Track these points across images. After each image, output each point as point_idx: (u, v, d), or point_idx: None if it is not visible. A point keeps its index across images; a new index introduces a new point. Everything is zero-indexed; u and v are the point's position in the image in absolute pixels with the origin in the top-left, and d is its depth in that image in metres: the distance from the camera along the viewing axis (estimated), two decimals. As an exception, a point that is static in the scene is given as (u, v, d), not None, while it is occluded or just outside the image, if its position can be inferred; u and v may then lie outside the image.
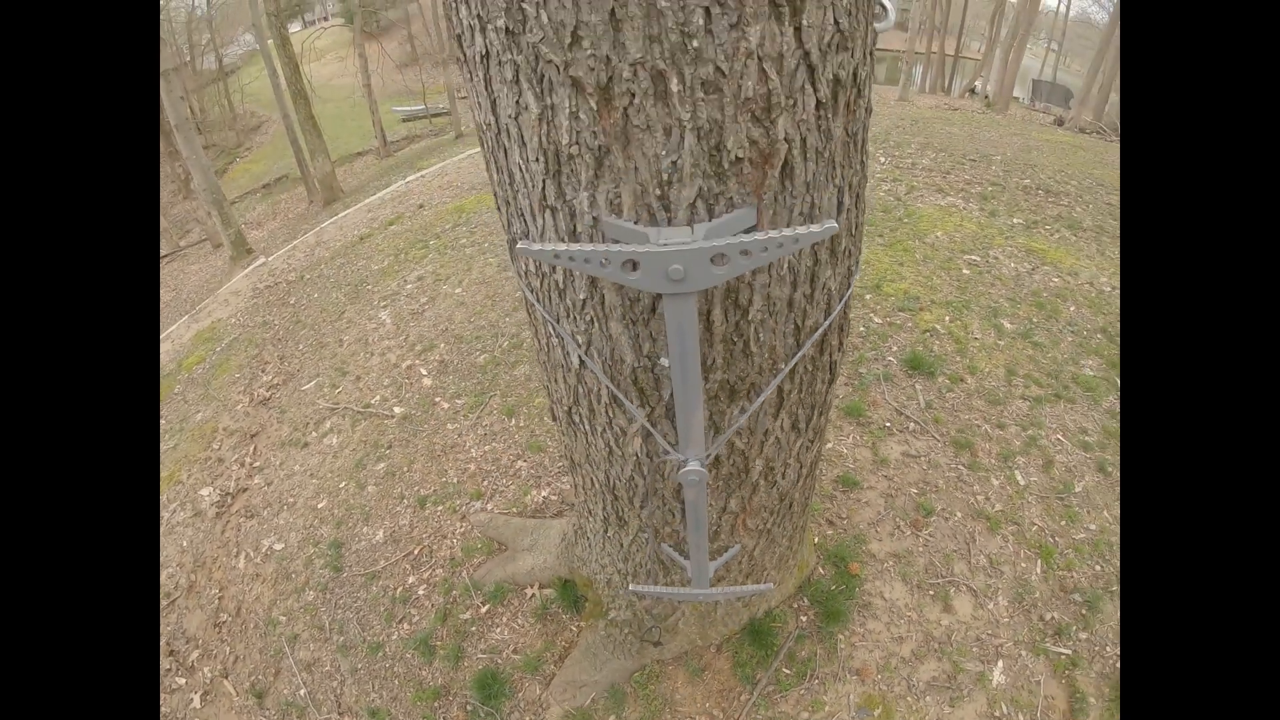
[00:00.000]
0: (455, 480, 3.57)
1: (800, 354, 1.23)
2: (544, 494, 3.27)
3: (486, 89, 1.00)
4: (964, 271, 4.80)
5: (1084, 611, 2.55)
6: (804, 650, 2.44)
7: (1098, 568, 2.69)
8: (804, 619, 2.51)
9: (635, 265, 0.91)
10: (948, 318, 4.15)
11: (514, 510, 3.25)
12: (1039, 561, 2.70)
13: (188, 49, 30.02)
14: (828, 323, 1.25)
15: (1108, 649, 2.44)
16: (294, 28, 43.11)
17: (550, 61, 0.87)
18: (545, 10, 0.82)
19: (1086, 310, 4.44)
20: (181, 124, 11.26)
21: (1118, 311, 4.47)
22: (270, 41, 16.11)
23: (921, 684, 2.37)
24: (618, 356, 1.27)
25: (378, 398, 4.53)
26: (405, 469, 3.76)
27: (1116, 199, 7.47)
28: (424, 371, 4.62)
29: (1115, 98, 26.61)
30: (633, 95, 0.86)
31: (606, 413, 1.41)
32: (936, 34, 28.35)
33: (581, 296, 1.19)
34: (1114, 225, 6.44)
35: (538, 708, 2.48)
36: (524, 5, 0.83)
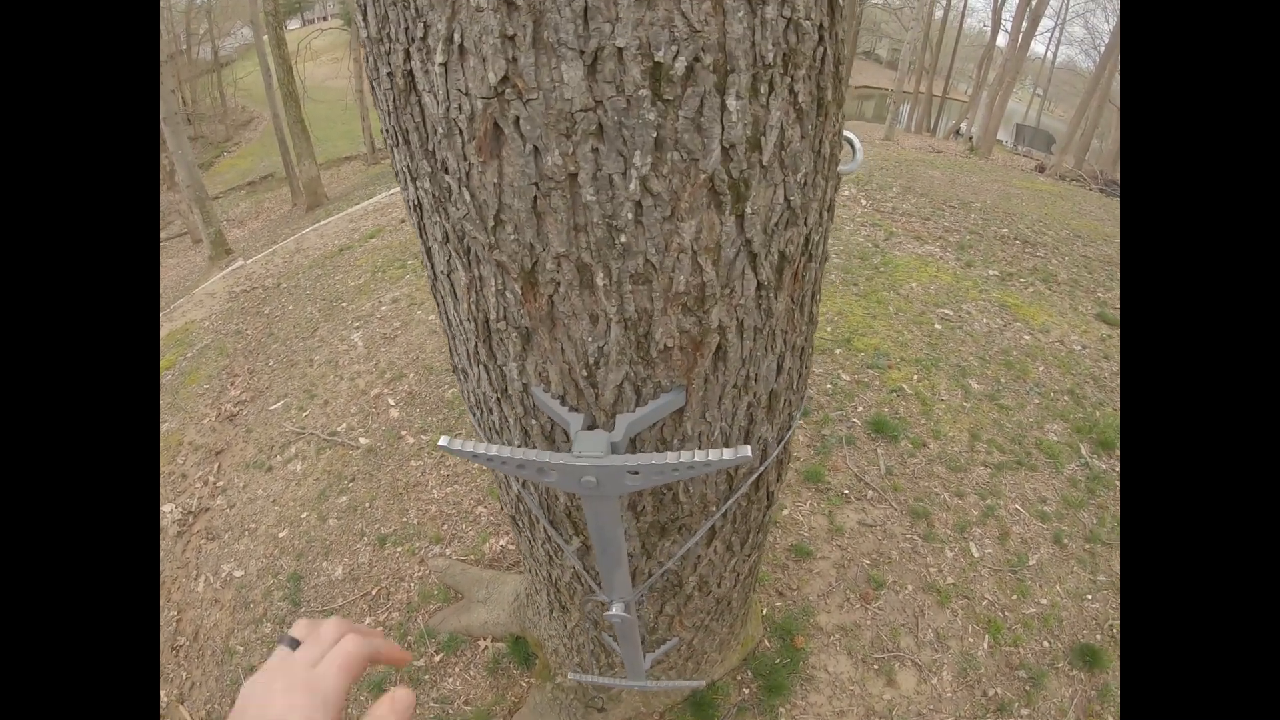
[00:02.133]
0: (415, 521, 3.53)
1: (733, 499, 1.24)
2: (502, 543, 3.25)
3: (422, 235, 0.97)
4: (936, 326, 4.85)
5: (1028, 688, 2.56)
6: (745, 722, 2.44)
7: (1045, 643, 2.71)
8: (746, 691, 2.50)
9: (548, 470, 0.91)
10: (915, 376, 4.18)
11: (472, 558, 3.23)
12: (986, 637, 2.71)
13: (184, 37, 29.78)
14: (763, 467, 1.24)
15: (1049, 726, 2.47)
16: (293, 24, 42.94)
17: (476, 238, 0.84)
18: (468, 188, 0.79)
19: (1055, 370, 4.50)
20: (170, 117, 11.14)
21: (1086, 372, 4.53)
22: (266, 39, 16.02)
23: (861, 759, 2.37)
24: (553, 494, 1.26)
25: (344, 425, 4.47)
26: (367, 504, 3.72)
27: (1092, 251, 7.60)
28: (391, 402, 4.57)
29: (1097, 144, 27.22)
30: (557, 285, 0.84)
31: (544, 531, 1.40)
32: (925, 75, 28.87)
33: (517, 443, 1.16)
34: (1089, 278, 6.55)
35: (483, 763, 2.46)
36: (448, 176, 0.80)
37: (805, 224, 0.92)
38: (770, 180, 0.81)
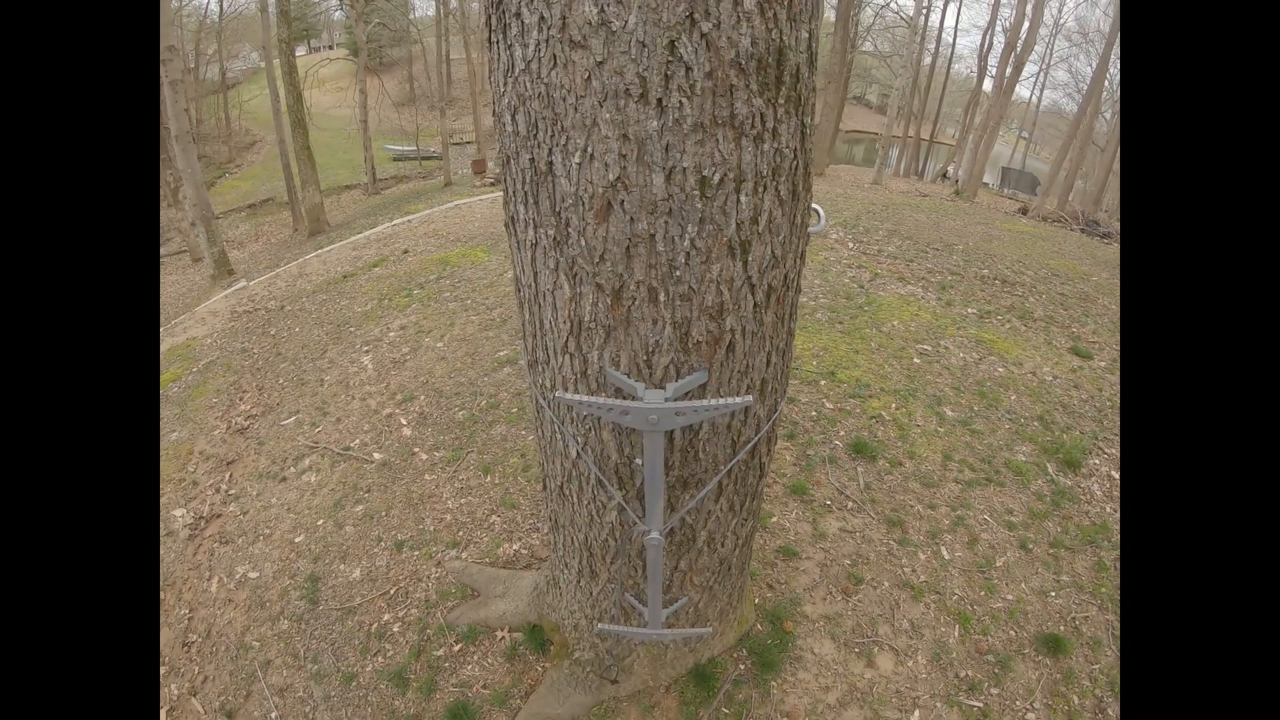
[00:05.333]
0: (432, 528, 3.76)
1: (735, 460, 1.72)
2: (515, 547, 3.50)
3: (531, 265, 1.45)
4: (915, 360, 5.19)
5: (996, 670, 2.85)
6: (741, 693, 2.72)
7: (1012, 633, 3.01)
8: (742, 667, 2.80)
9: (627, 412, 1.41)
10: (894, 405, 4.53)
11: (487, 560, 3.47)
12: (957, 626, 3.02)
13: (194, 57, 30.09)
14: (757, 438, 1.74)
15: (1018, 702, 2.74)
16: (299, 51, 43.39)
17: (584, 268, 1.32)
18: (584, 237, 1.28)
19: (1026, 399, 4.83)
20: (181, 135, 11.35)
21: (1056, 400, 4.86)
22: (276, 64, 16.30)
23: (844, 728, 2.66)
24: (606, 455, 1.72)
25: (357, 441, 4.69)
26: (383, 513, 3.94)
27: (1069, 289, 7.93)
28: (404, 421, 4.80)
29: (1080, 184, 27.83)
30: (635, 299, 1.33)
31: (592, 491, 1.84)
32: (914, 119, 29.57)
33: (584, 412, 1.65)
34: (1064, 315, 6.88)
35: (504, 737, 2.70)
36: (570, 229, 1.29)
37: (784, 267, 1.47)
38: (763, 241, 1.36)
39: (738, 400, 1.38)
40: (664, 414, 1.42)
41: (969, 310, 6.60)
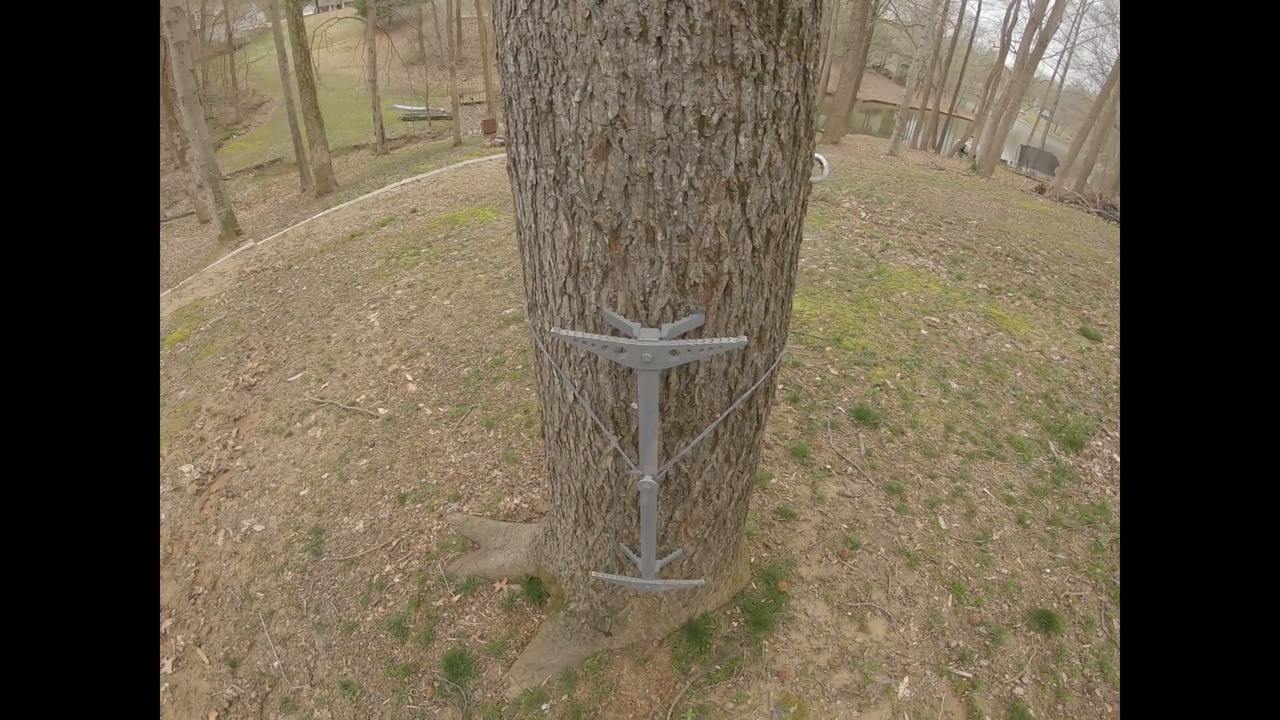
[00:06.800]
0: (434, 482, 3.80)
1: (732, 408, 1.73)
2: (516, 501, 3.54)
3: (531, 206, 1.45)
4: (922, 331, 5.18)
5: (987, 642, 2.88)
6: (733, 650, 2.76)
7: (1005, 606, 3.04)
8: (735, 624, 2.83)
9: (622, 350, 1.41)
10: (899, 374, 4.53)
11: (488, 514, 3.51)
12: (950, 596, 3.04)
13: (199, 18, 29.84)
14: (754, 387, 1.75)
15: (1006, 676, 2.77)
16: (307, 10, 42.91)
17: (582, 207, 1.32)
18: (583, 176, 1.28)
19: (1032, 376, 4.82)
20: (188, 96, 11.15)
21: (1062, 379, 4.85)
22: (284, 23, 16.13)
23: (834, 689, 2.69)
24: (602, 398, 1.74)
25: (363, 397, 4.72)
26: (387, 467, 3.97)
27: (1082, 270, 7.85)
28: (409, 377, 4.83)
29: (1100, 168, 27.45)
30: (632, 238, 1.34)
31: (588, 436, 1.86)
32: (933, 92, 29.14)
33: (582, 355, 1.70)
34: (1075, 296, 6.81)
35: (499, 686, 2.75)
36: (569, 168, 1.30)
37: (784, 212, 1.46)
38: (762, 184, 1.35)
39: (732, 340, 1.38)
40: (658, 352, 1.45)
41: (979, 285, 6.56)
